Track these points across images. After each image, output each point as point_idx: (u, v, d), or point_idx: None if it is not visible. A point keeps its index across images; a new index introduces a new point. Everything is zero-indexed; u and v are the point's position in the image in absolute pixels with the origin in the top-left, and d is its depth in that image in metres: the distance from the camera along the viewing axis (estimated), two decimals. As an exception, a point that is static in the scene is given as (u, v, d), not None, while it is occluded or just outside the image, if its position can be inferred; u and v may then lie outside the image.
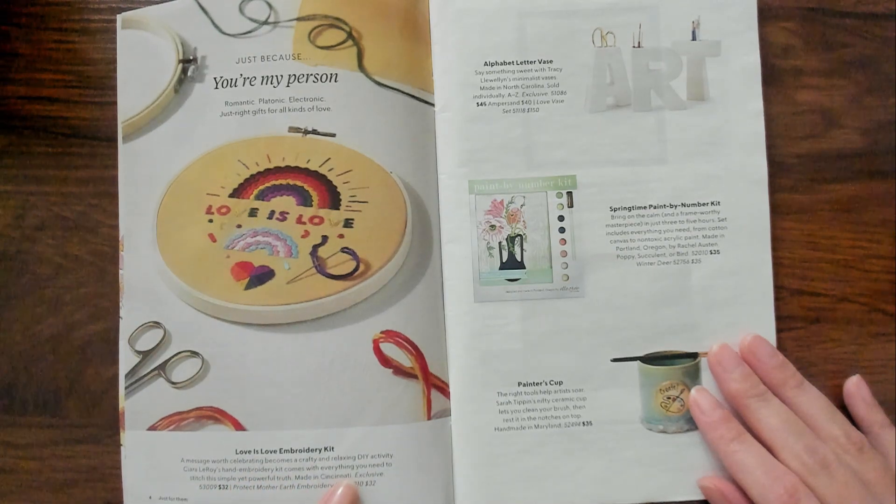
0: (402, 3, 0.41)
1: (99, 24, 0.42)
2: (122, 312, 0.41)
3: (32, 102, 0.43)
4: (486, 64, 0.41)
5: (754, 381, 0.39)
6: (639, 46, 0.41)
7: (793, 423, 0.38)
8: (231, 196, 0.40)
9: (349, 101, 0.41)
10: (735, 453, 0.38)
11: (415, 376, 0.40)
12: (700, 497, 0.40)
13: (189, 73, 0.41)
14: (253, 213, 0.41)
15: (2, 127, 0.43)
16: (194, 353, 0.40)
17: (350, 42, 0.41)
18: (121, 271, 0.41)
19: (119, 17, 0.42)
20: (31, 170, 0.43)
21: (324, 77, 0.41)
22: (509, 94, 0.41)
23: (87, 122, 0.43)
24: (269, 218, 0.40)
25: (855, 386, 0.41)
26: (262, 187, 0.41)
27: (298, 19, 0.41)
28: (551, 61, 0.41)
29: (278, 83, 0.41)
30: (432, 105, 0.41)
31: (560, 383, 0.41)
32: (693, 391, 0.40)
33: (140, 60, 0.42)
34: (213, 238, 0.40)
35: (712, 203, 0.41)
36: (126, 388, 0.41)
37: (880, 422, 0.40)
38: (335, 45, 0.41)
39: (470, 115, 0.41)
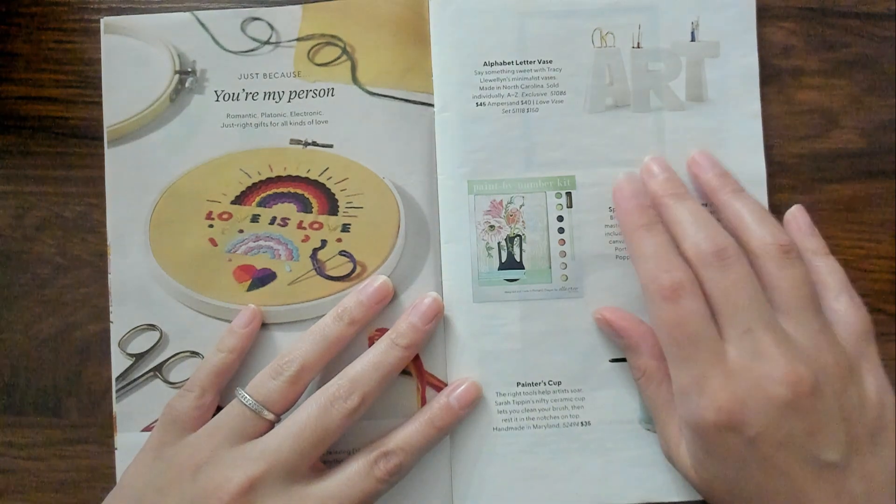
0: (398, 9, 0.42)
1: (99, 25, 0.42)
2: (112, 317, 0.41)
3: (32, 102, 0.43)
4: (485, 64, 0.41)
5: (678, 183, 0.38)
6: (638, 47, 0.41)
7: (703, 217, 0.36)
8: (233, 203, 0.42)
9: (345, 113, 0.42)
10: (638, 239, 0.37)
11: (409, 373, 0.41)
12: (699, 498, 0.40)
13: (187, 85, 0.42)
14: (255, 219, 0.42)
15: (2, 127, 0.43)
16: (195, 353, 0.41)
17: (345, 57, 0.42)
18: (109, 276, 0.41)
19: (102, 21, 0.42)
20: (31, 170, 0.43)
21: (321, 92, 0.42)
22: (509, 95, 0.41)
23: (87, 122, 0.43)
24: (271, 223, 0.42)
25: (792, 215, 0.40)
26: (264, 195, 0.42)
27: (298, 39, 0.42)
28: (551, 61, 0.41)
29: (280, 98, 0.42)
30: (431, 106, 0.41)
31: (559, 383, 0.41)
32: (620, 176, 0.39)
33: (128, 67, 0.42)
34: (213, 242, 0.41)
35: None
36: (117, 390, 0.41)
37: (815, 249, 0.38)
38: (331, 62, 0.42)
39: (469, 116, 0.41)
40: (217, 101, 0.42)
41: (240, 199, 0.42)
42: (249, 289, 0.41)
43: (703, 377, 0.34)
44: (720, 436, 0.33)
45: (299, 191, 0.42)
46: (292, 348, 0.38)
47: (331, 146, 0.42)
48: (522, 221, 0.41)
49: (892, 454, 0.34)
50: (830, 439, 0.33)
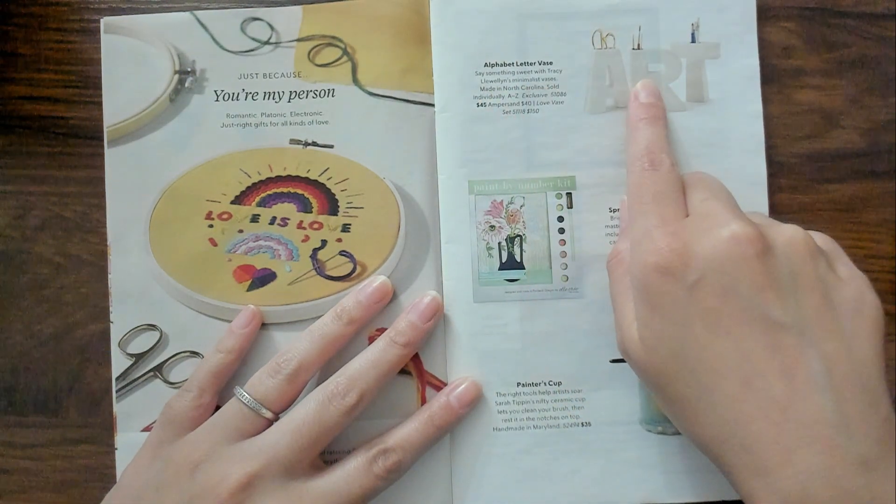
0: (398, 10, 0.42)
1: (99, 25, 0.42)
2: (112, 317, 0.41)
3: (32, 102, 0.43)
4: (486, 65, 0.41)
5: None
6: (638, 48, 0.41)
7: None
8: (233, 203, 0.42)
9: (345, 113, 0.42)
10: (636, 130, 0.39)
11: (409, 373, 0.41)
12: (700, 499, 0.40)
13: (186, 85, 0.42)
14: (255, 219, 0.42)
15: (2, 127, 0.43)
16: (195, 353, 0.41)
17: (345, 58, 0.42)
18: (109, 276, 0.41)
19: (102, 21, 0.42)
20: (31, 170, 0.43)
21: (322, 93, 0.42)
22: (509, 96, 0.41)
23: (87, 122, 0.43)
24: (271, 223, 0.42)
25: None
26: (263, 195, 0.42)
27: (299, 40, 0.42)
28: (551, 63, 0.41)
29: (280, 98, 0.42)
30: (432, 106, 0.41)
31: (559, 384, 0.41)
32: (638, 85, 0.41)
33: (128, 67, 0.42)
34: (213, 242, 0.41)
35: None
36: (117, 391, 0.41)
37: None
38: (332, 63, 0.42)
39: (470, 116, 0.41)
40: (217, 100, 0.42)
41: (239, 199, 0.42)
42: (249, 289, 0.41)
43: (655, 227, 0.34)
44: (662, 282, 0.32)
45: (299, 191, 0.42)
46: (290, 347, 0.38)
47: (331, 146, 0.42)
48: (523, 222, 0.41)
49: (866, 346, 0.31)
50: (779, 297, 0.31)
